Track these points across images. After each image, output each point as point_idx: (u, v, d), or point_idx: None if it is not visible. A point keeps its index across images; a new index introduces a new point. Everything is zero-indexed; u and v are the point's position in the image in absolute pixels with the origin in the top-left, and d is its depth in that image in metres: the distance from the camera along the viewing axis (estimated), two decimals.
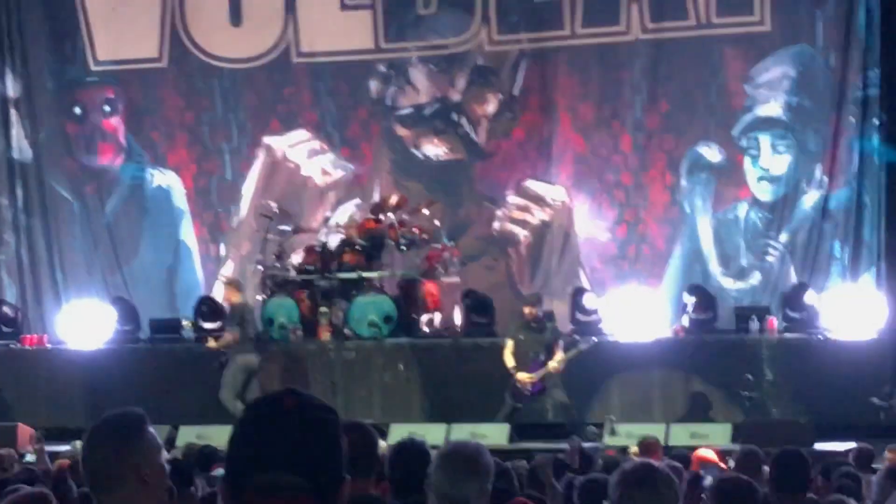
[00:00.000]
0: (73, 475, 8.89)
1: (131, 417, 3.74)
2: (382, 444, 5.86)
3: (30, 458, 13.60)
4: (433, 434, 14.25)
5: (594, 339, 16.08)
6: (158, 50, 20.40)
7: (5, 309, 19.40)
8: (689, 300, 17.00)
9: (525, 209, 19.20)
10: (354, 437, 5.06)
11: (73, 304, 19.77)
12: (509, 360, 15.75)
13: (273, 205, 18.59)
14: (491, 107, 19.46)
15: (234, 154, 20.27)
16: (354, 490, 2.62)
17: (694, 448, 12.23)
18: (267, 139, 20.10)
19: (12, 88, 20.71)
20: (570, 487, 8.41)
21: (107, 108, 20.72)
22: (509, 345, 15.82)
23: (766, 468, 7.19)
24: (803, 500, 6.63)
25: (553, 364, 15.60)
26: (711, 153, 18.59)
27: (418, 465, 5.23)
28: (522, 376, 15.65)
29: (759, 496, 5.69)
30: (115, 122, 20.71)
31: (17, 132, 20.71)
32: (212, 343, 16.86)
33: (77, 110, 20.77)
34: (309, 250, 17.84)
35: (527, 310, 15.89)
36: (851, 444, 12.48)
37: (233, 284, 17.38)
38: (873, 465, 11.08)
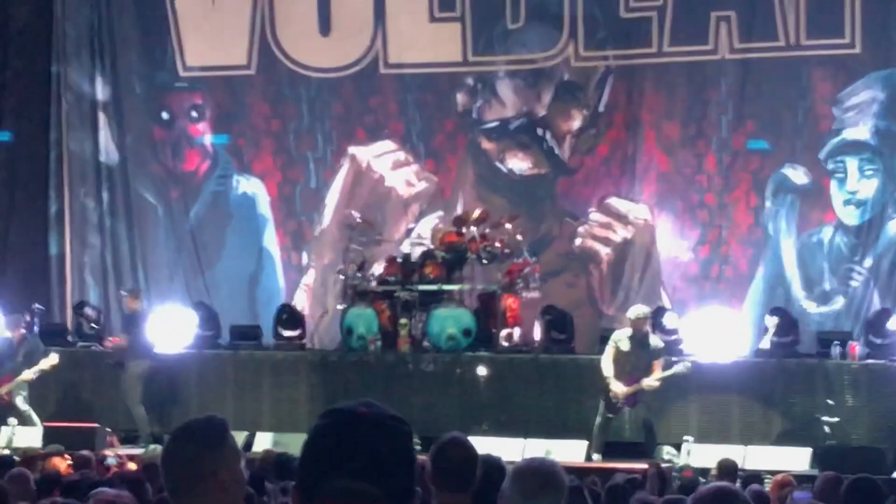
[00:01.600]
0: (149, 478, 8.95)
1: (213, 424, 3.78)
2: None
3: (110, 460, 13.71)
4: (509, 449, 14.22)
5: (691, 362, 15.80)
6: (247, 57, 20.53)
7: (88, 311, 19.60)
8: (772, 322, 16.84)
9: (607, 226, 19.13)
10: (456, 452, 5.08)
11: (157, 309, 19.91)
12: (607, 367, 15.42)
13: (356, 215, 18.66)
14: (576, 122, 19.42)
15: (318, 163, 20.36)
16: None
17: (773, 473, 12.12)
18: (352, 149, 20.17)
19: (101, 92, 20.93)
20: None
21: (194, 114, 20.90)
22: (610, 350, 15.56)
23: None
24: None
25: (649, 381, 15.39)
26: (797, 175, 18.44)
27: (493, 480, 5.22)
28: (617, 388, 15.47)
29: None
30: (202, 127, 20.89)
31: (104, 135, 20.91)
32: (107, 343, 17.90)
33: (165, 115, 20.95)
34: (390, 261, 17.88)
35: (636, 324, 15.58)
36: None
37: (132, 293, 17.92)
38: None
